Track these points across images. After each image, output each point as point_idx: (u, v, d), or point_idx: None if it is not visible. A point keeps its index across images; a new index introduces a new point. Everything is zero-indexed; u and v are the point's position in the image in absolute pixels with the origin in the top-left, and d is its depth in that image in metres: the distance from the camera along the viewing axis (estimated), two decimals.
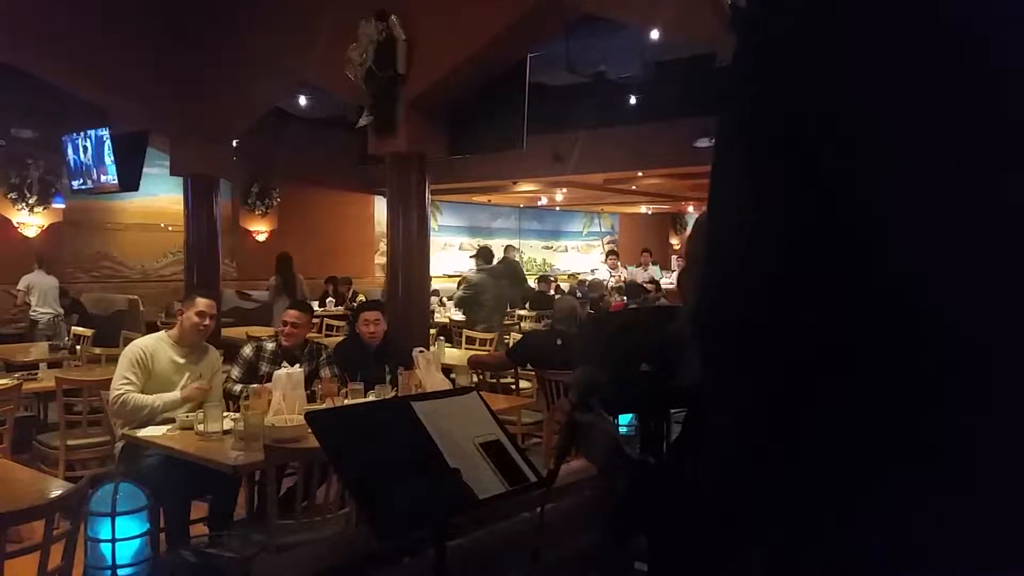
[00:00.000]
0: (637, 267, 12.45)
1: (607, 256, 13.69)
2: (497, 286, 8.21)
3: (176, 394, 3.89)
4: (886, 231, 0.59)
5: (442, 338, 7.84)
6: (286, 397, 3.62)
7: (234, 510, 3.80)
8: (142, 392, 3.88)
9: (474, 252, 9.36)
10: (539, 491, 1.71)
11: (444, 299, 10.67)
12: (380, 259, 13.51)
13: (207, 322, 4.07)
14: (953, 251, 0.58)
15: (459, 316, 8.79)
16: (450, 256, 15.52)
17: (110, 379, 4.41)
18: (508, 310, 9.31)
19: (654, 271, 12.13)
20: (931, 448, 0.59)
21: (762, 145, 0.67)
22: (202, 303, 4.07)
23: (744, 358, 0.69)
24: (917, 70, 0.60)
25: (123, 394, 3.82)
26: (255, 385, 3.87)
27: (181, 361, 4.04)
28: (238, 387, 4.19)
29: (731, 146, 0.72)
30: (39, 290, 9.11)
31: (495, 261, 8.96)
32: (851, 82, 0.62)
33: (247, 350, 4.51)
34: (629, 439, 1.26)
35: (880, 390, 0.60)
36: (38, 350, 6.79)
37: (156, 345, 4.02)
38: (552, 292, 11.29)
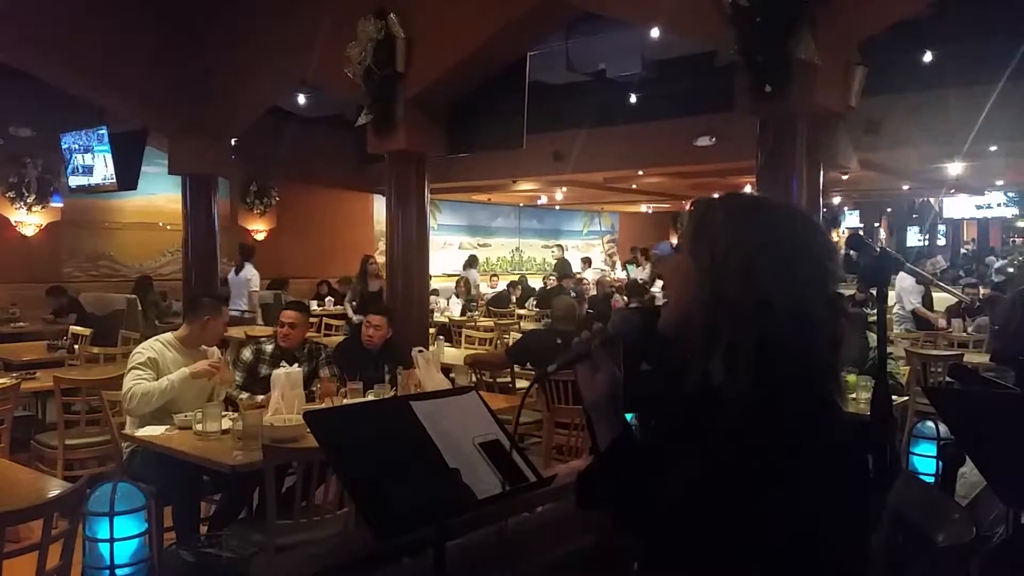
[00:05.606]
0: (638, 267, 12.45)
1: (607, 257, 13.73)
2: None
3: (185, 371, 3.87)
4: None
5: (441, 337, 7.81)
6: (285, 397, 3.60)
7: (250, 507, 3.76)
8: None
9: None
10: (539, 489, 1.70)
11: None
12: (379, 258, 13.47)
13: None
14: None
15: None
16: (450, 255, 15.49)
17: (108, 378, 4.39)
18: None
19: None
20: None
21: None
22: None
23: None
24: None
25: (132, 387, 3.79)
26: (260, 397, 3.85)
27: (188, 363, 4.03)
28: (244, 395, 4.16)
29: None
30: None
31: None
32: None
33: (246, 353, 4.47)
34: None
35: None
36: (36, 349, 6.77)
37: (161, 349, 4.01)
38: (557, 284, 11.35)
